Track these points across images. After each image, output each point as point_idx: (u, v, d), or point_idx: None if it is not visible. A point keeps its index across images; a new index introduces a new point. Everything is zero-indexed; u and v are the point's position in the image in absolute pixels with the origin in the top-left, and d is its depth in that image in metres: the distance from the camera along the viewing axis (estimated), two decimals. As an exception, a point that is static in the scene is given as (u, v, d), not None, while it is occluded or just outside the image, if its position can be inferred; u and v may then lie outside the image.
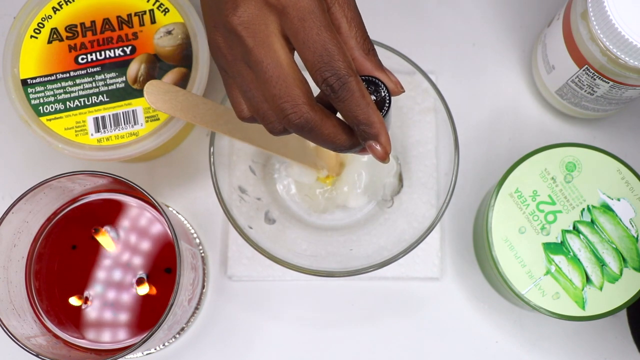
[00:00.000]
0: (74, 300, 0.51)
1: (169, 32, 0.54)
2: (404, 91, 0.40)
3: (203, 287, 0.59)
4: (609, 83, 0.52)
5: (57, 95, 0.53)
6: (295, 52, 0.38)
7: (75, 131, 0.53)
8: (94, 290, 0.52)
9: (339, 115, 0.40)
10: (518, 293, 0.51)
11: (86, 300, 0.52)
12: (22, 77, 0.53)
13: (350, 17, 0.39)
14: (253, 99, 0.38)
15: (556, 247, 0.52)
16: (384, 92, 0.39)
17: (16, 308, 0.49)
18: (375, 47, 0.53)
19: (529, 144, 0.60)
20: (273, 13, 0.37)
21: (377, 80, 0.39)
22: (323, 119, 0.38)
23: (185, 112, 0.46)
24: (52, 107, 0.53)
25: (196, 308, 0.58)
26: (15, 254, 0.50)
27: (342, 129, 0.39)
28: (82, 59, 0.54)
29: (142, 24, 0.54)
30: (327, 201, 0.58)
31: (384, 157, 0.39)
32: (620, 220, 0.52)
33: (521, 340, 0.59)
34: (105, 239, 0.52)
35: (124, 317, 0.52)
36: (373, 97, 0.39)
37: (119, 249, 0.52)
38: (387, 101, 0.39)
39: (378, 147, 0.39)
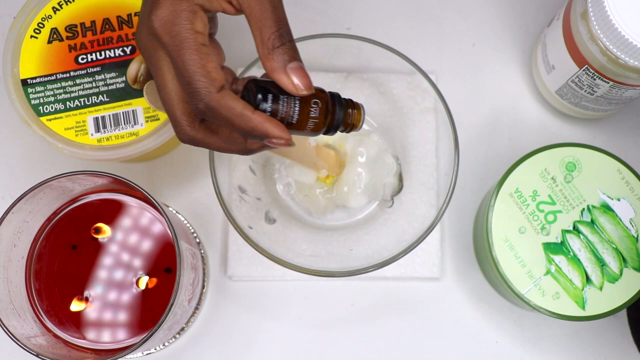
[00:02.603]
0: (74, 306, 0.51)
1: (169, 32, 0.54)
2: (307, 93, 0.40)
3: (203, 287, 0.58)
4: (609, 83, 0.52)
5: (57, 95, 0.53)
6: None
7: (75, 131, 0.53)
8: (94, 291, 0.52)
9: None
10: (518, 293, 0.51)
11: (86, 300, 0.52)
12: (22, 77, 0.53)
13: (257, 15, 0.39)
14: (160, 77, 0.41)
15: (556, 247, 0.52)
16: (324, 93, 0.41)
17: (16, 308, 0.49)
18: (376, 47, 0.53)
19: (529, 144, 0.60)
20: (159, 42, 0.39)
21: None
22: (206, 135, 0.41)
23: None
24: (52, 107, 0.53)
25: (196, 308, 0.58)
26: (15, 254, 0.50)
27: (230, 140, 0.42)
28: (82, 59, 0.54)
29: (142, 24, 0.54)
30: (327, 201, 0.58)
31: (287, 144, 0.40)
32: (620, 220, 0.52)
33: (521, 340, 0.59)
34: (103, 234, 0.52)
35: (124, 317, 0.52)
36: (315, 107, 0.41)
37: (119, 249, 0.52)
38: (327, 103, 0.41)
39: (278, 141, 0.40)
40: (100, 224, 0.52)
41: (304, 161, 0.54)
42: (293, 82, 0.39)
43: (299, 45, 0.52)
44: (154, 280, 0.52)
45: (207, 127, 0.41)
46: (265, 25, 0.39)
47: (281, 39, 0.39)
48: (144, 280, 0.52)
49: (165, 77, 0.41)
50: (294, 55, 0.40)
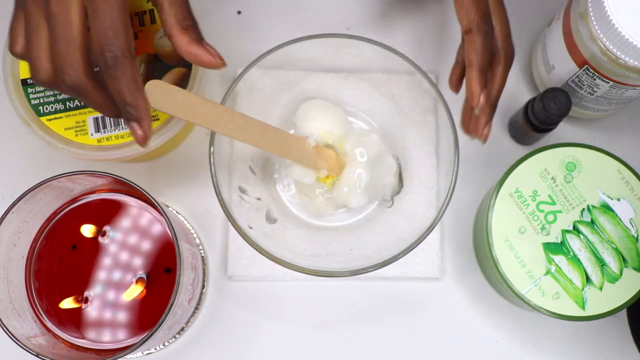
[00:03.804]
0: (67, 303, 0.51)
1: (169, 32, 0.54)
2: (224, 64, 0.44)
3: (203, 287, 0.59)
4: (609, 83, 0.52)
5: (57, 95, 0.53)
6: None
7: (75, 131, 0.53)
8: (94, 290, 0.52)
9: None
10: (518, 293, 0.51)
11: (86, 300, 0.52)
12: (22, 77, 0.53)
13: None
14: (34, 42, 0.41)
15: (556, 247, 0.52)
16: None
17: (16, 308, 0.49)
18: (375, 47, 0.53)
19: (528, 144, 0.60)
20: None
21: None
22: (95, 88, 0.42)
23: (185, 112, 0.46)
24: (52, 107, 0.53)
25: (196, 308, 0.58)
26: (15, 254, 0.50)
27: (110, 102, 0.43)
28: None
29: (142, 24, 0.54)
30: (327, 201, 0.58)
31: (143, 141, 0.43)
32: (620, 220, 0.52)
33: (521, 340, 0.59)
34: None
35: (124, 317, 0.52)
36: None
37: (119, 248, 0.52)
38: None
39: (139, 131, 0.42)
40: (89, 225, 0.52)
41: (303, 161, 0.54)
42: (213, 52, 0.44)
43: (299, 45, 0.52)
44: (144, 291, 0.52)
45: (96, 80, 0.42)
46: (181, 5, 0.43)
47: (193, 20, 0.43)
48: (133, 291, 0.52)
49: (72, 18, 0.40)
50: (202, 35, 0.44)
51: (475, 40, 0.46)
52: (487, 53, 0.47)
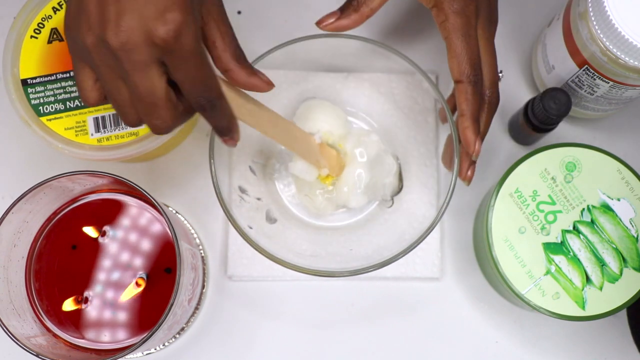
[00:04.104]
0: (68, 305, 0.51)
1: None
2: (273, 86, 0.46)
3: (203, 287, 0.58)
4: (609, 83, 0.52)
5: (57, 95, 0.53)
6: None
7: (75, 131, 0.53)
8: (93, 290, 0.52)
9: None
10: (518, 293, 0.51)
11: (86, 300, 0.52)
12: (22, 77, 0.53)
13: (223, 31, 0.43)
14: (117, 99, 0.41)
15: (556, 247, 0.52)
16: None
17: (16, 308, 0.49)
18: (376, 47, 0.53)
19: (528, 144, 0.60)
20: (156, 48, 0.38)
21: None
22: (182, 121, 0.43)
23: None
24: (52, 107, 0.53)
25: (196, 308, 0.58)
26: (15, 254, 0.50)
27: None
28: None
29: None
30: (327, 201, 0.58)
31: (234, 144, 0.46)
32: (620, 220, 0.52)
33: (521, 340, 0.59)
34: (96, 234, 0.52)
35: (123, 317, 0.52)
36: None
37: (119, 248, 0.52)
38: None
39: (233, 141, 0.45)
40: (90, 227, 0.53)
41: (307, 157, 0.54)
42: (265, 80, 0.46)
43: (299, 45, 0.52)
44: (143, 291, 0.52)
45: (183, 111, 0.43)
46: (232, 39, 0.44)
47: (241, 50, 0.45)
48: (129, 293, 0.52)
49: (154, 81, 0.39)
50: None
51: (467, 90, 0.48)
52: (478, 101, 0.49)
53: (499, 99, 0.51)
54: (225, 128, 0.44)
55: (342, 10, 0.51)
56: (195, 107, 0.42)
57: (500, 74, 0.51)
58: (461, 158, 0.51)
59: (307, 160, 0.55)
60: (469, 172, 0.51)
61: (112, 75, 0.39)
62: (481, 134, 0.50)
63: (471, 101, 0.49)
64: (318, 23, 0.51)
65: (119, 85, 0.40)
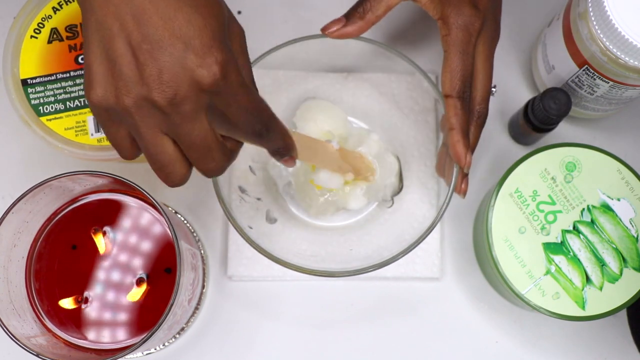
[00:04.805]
0: (66, 303, 0.51)
1: (169, 32, 0.54)
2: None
3: (203, 287, 0.58)
4: (609, 83, 0.52)
5: (57, 95, 0.53)
6: None
7: (76, 131, 0.53)
8: (93, 291, 0.52)
9: None
10: (518, 293, 0.51)
11: (86, 300, 0.52)
12: (22, 77, 0.53)
13: (241, 64, 0.40)
14: (159, 156, 0.40)
15: (556, 247, 0.52)
16: None
17: (16, 308, 0.49)
18: (376, 47, 0.53)
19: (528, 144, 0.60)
20: (205, 94, 0.37)
21: None
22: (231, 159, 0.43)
23: None
24: (52, 107, 0.53)
25: (196, 308, 0.58)
26: (15, 254, 0.50)
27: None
28: (82, 58, 0.53)
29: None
30: (327, 203, 0.57)
31: (294, 163, 0.46)
32: (620, 220, 0.52)
33: (521, 340, 0.59)
34: (99, 239, 0.52)
35: (124, 317, 0.52)
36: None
37: (119, 249, 0.52)
38: None
39: (292, 161, 0.46)
40: (97, 228, 0.52)
41: (329, 165, 0.54)
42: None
43: (299, 45, 0.52)
44: (143, 295, 0.52)
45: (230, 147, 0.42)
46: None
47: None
48: (138, 293, 0.52)
49: (204, 128, 0.39)
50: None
51: (456, 104, 0.49)
52: (467, 115, 0.50)
53: (488, 114, 0.52)
54: (284, 148, 0.44)
55: (348, 17, 0.51)
56: (251, 137, 0.41)
57: (493, 89, 0.52)
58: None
59: (329, 169, 0.54)
60: (463, 185, 0.51)
61: (154, 132, 0.38)
62: (471, 146, 0.51)
63: (460, 115, 0.49)
64: (323, 30, 0.51)
65: (163, 141, 0.39)
